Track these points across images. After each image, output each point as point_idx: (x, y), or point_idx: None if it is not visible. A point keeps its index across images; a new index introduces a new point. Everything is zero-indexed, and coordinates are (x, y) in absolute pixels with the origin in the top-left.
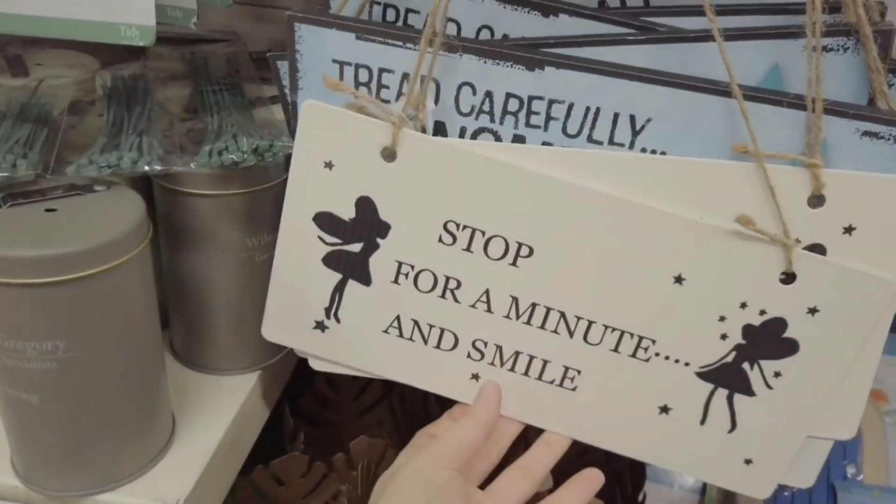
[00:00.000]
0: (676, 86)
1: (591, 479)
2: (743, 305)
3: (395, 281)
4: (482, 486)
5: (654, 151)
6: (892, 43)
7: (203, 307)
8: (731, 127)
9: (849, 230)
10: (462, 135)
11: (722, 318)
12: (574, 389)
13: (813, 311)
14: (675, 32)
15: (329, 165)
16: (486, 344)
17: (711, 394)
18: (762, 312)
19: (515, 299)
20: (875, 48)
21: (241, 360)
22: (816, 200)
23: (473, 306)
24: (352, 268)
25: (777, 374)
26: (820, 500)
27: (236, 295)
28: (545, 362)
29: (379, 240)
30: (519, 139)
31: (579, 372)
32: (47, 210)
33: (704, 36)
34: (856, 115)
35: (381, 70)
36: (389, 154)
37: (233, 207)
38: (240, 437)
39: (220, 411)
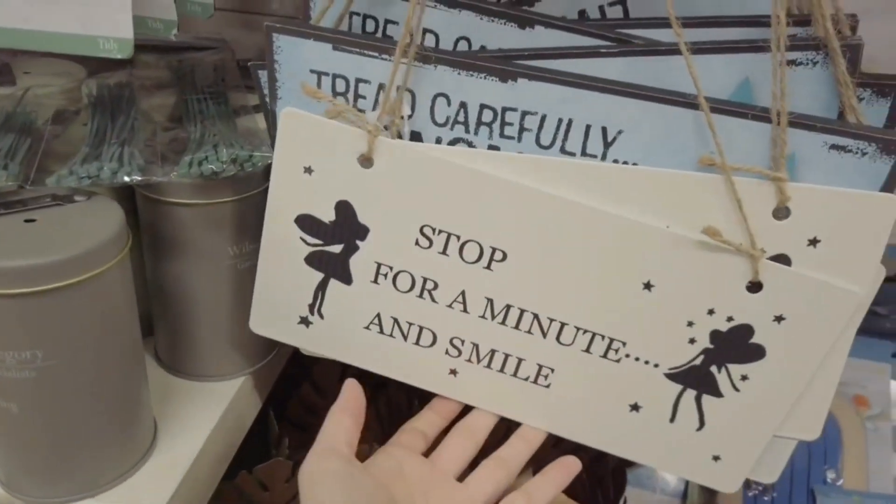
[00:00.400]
0: (646, 98)
1: (567, 467)
2: (710, 312)
3: (375, 281)
4: (461, 479)
5: (626, 162)
6: (861, 57)
7: (187, 315)
8: (701, 139)
9: (813, 242)
10: (438, 144)
11: (690, 324)
12: (548, 386)
13: (779, 318)
14: (648, 45)
15: (308, 170)
16: (463, 342)
17: (680, 394)
18: (729, 319)
19: (490, 301)
20: (844, 62)
21: (225, 367)
22: (782, 213)
23: (450, 306)
24: (333, 267)
25: (744, 378)
26: None
27: (219, 303)
28: (520, 360)
29: (358, 242)
30: (493, 150)
31: (553, 370)
32: (26, 221)
33: (677, 49)
34: (823, 129)
35: (358, 80)
36: (366, 160)
37: (215, 216)
38: (223, 443)
39: (203, 417)
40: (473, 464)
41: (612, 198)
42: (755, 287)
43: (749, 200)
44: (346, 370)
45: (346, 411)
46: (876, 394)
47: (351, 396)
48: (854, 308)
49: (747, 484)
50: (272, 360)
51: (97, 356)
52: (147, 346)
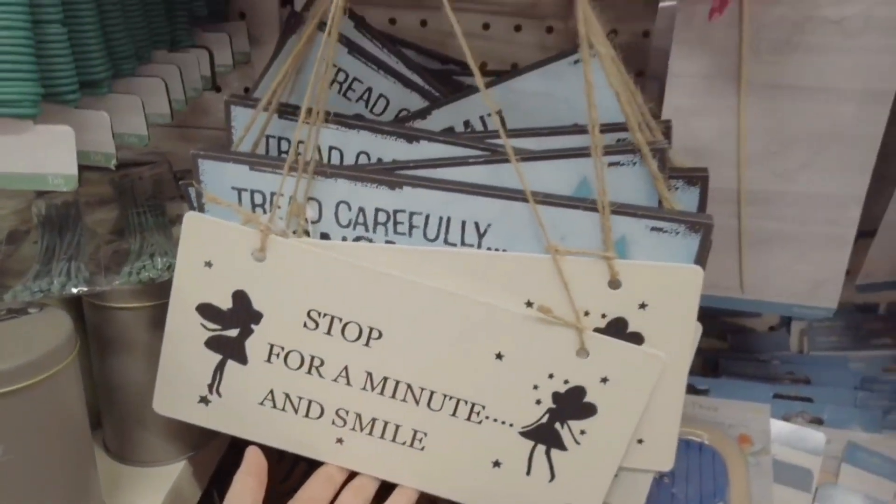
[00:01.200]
0: (504, 198)
1: None
2: (550, 376)
3: (268, 360)
4: None
5: (497, 249)
6: (668, 157)
7: (131, 408)
8: (552, 229)
9: (643, 306)
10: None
11: (535, 387)
12: (423, 449)
13: (604, 380)
14: (505, 155)
15: (209, 264)
16: (347, 412)
17: (533, 449)
18: (566, 382)
19: (370, 374)
20: (655, 162)
21: (168, 452)
22: (615, 284)
23: (335, 380)
24: (230, 350)
25: (583, 432)
26: None
27: None
28: (397, 426)
29: (253, 326)
30: (390, 244)
31: (426, 434)
32: None
33: (529, 157)
34: (643, 215)
35: (272, 193)
36: (259, 255)
37: (152, 317)
38: None
39: (148, 500)
40: None
41: (470, 279)
42: (584, 354)
43: (589, 276)
44: (283, 451)
45: (250, 474)
46: (758, 432)
47: (253, 461)
48: (660, 369)
49: None
50: (213, 443)
51: (51, 449)
52: (96, 438)
